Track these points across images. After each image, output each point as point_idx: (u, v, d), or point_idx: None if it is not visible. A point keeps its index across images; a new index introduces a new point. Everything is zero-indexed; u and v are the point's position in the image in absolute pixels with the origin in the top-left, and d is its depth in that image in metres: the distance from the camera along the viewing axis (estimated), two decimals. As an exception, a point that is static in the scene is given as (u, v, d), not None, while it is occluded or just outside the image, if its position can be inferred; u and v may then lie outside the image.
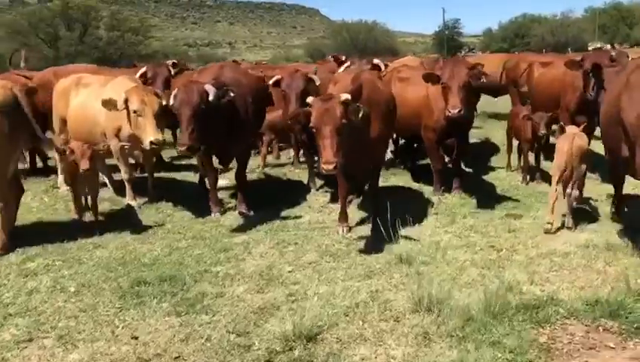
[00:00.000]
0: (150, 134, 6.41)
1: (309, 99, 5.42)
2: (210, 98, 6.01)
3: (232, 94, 6.14)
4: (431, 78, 6.82)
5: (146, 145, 6.48)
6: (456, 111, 6.51)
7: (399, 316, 4.34)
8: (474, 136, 12.27)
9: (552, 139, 8.02)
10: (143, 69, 8.87)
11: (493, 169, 9.42)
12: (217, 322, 4.30)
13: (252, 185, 8.63)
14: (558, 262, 5.29)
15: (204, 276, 5.18)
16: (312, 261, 5.50)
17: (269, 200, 7.57)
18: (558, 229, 6.23)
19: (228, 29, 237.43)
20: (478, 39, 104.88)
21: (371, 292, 4.74)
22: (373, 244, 5.83)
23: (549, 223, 6.26)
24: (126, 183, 7.55)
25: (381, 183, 8.40)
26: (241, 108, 6.69)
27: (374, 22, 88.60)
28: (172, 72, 8.93)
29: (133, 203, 7.49)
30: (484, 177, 8.82)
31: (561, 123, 7.08)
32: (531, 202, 7.34)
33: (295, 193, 7.98)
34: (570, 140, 6.41)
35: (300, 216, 6.94)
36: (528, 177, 8.35)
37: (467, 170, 9.28)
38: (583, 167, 6.45)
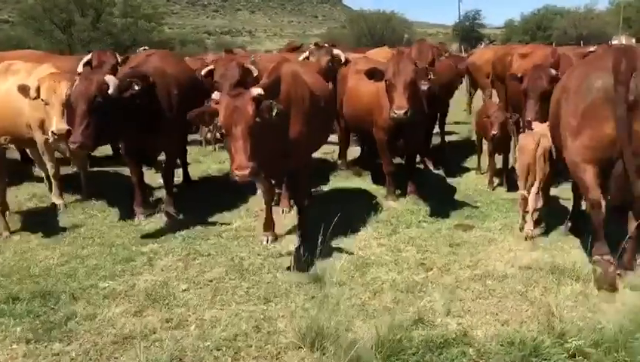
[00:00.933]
0: (53, 125, 5.84)
1: (214, 95, 4.74)
2: (110, 91, 5.38)
3: (136, 86, 5.50)
4: (374, 74, 6.11)
5: (49, 135, 5.92)
6: (402, 112, 5.82)
7: (279, 352, 3.71)
8: (458, 133, 11.59)
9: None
10: (88, 57, 8.30)
11: (465, 170, 8.70)
12: (65, 354, 3.71)
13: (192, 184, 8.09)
14: (491, 287, 4.60)
15: (85, 293, 4.60)
16: (214, 278, 4.88)
17: (205, 202, 6.98)
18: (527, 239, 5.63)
19: (248, 17, 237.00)
20: (501, 31, 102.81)
21: (261, 320, 4.12)
22: (293, 259, 5.19)
23: (528, 232, 5.73)
24: (52, 180, 6.99)
25: (335, 185, 7.84)
26: (164, 100, 6.08)
27: (392, 12, 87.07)
28: (119, 60, 8.32)
29: (58, 201, 6.94)
30: (450, 180, 8.11)
31: (528, 119, 6.36)
32: (490, 211, 6.65)
33: (238, 194, 7.35)
34: (534, 140, 5.75)
35: (229, 223, 6.32)
36: (496, 181, 7.63)
37: (436, 170, 8.60)
38: (547, 167, 5.77)
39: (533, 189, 5.83)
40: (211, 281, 4.80)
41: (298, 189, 5.71)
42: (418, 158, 8.00)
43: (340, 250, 5.39)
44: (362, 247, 5.53)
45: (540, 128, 6.10)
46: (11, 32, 58.20)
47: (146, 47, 11.85)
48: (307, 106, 5.29)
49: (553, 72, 6.71)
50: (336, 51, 8.19)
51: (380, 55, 9.85)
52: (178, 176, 7.78)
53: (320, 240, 4.83)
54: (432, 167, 8.69)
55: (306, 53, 8.22)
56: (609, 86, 4.42)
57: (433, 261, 5.16)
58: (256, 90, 4.68)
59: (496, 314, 4.15)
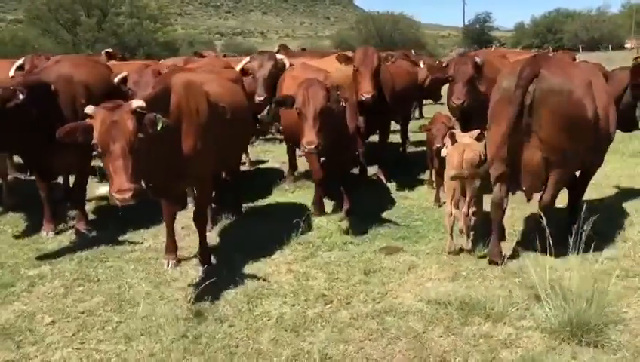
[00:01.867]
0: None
1: (88, 109, 4.25)
2: (-10, 101, 4.96)
3: (21, 95, 5.05)
4: (284, 102, 5.73)
5: None
6: (312, 147, 5.41)
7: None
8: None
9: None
10: (20, 61, 7.91)
11: (420, 183, 8.16)
12: None
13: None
14: (387, 325, 4.11)
15: (-63, 325, 4.17)
16: (88, 309, 4.44)
17: (129, 216, 6.52)
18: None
19: (261, 18, 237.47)
20: (511, 34, 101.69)
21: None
22: (187, 288, 4.73)
23: (449, 252, 5.38)
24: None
25: (275, 200, 7.38)
26: (68, 109, 5.65)
27: (401, 13, 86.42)
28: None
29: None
30: (398, 194, 7.59)
31: (452, 131, 5.87)
32: (428, 230, 6.14)
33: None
34: (459, 152, 5.26)
35: (141, 242, 5.87)
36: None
37: (389, 183, 8.08)
38: (477, 182, 5.27)
39: (462, 206, 5.36)
40: (82, 313, 4.35)
41: (197, 209, 5.22)
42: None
43: (242, 276, 4.93)
44: (269, 274, 5.05)
45: (467, 139, 5.62)
46: (19, 32, 58.22)
47: (109, 50, 11.34)
48: (205, 119, 4.82)
49: (478, 59, 7.07)
50: (279, 57, 7.74)
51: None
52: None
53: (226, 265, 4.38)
54: (384, 180, 8.19)
55: (247, 59, 7.81)
56: (511, 87, 4.79)
57: (337, 292, 4.67)
58: (137, 103, 4.20)
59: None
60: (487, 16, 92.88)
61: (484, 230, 5.42)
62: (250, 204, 7.16)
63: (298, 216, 6.02)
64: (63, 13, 58.58)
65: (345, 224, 6.32)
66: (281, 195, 7.62)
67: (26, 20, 62.05)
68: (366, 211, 6.66)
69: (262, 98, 7.27)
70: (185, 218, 5.90)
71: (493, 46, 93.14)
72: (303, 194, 7.52)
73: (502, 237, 5.37)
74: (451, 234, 5.45)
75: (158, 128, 4.17)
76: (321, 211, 6.66)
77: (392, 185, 8.00)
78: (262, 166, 9.52)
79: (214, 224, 6.34)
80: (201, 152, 4.74)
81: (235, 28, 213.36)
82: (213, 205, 6.55)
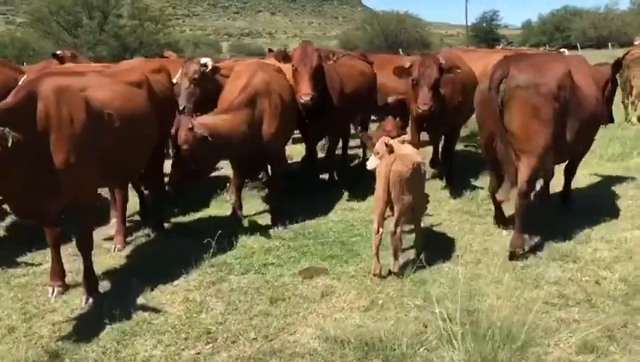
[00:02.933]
0: None
1: None
2: None
3: None
4: None
5: None
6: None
7: None
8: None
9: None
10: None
11: (372, 193, 7.50)
12: None
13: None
14: (266, 373, 3.50)
15: None
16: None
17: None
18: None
19: (269, 18, 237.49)
20: (520, 32, 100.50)
21: None
22: (61, 322, 4.16)
23: (375, 274, 4.80)
24: None
25: (209, 213, 6.80)
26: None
27: (406, 12, 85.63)
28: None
29: None
30: (344, 205, 6.98)
31: (386, 141, 5.23)
32: (364, 248, 5.53)
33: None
34: (387, 164, 4.66)
35: (40, 264, 5.32)
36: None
37: (345, 191, 7.45)
38: (408, 198, 4.65)
39: (391, 223, 4.76)
40: None
41: (79, 233, 4.61)
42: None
43: (127, 308, 4.33)
44: (161, 304, 4.46)
45: (402, 149, 5.02)
46: (17, 33, 58.21)
47: (58, 52, 10.74)
48: (82, 128, 4.23)
49: (443, 61, 6.68)
50: (204, 60, 7.17)
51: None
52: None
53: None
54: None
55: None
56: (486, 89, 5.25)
57: (227, 327, 4.07)
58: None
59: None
60: (494, 15, 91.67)
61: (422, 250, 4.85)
62: (179, 219, 6.60)
63: (224, 231, 5.46)
64: (64, 15, 58.44)
65: (273, 240, 5.72)
66: (218, 207, 7.03)
67: (27, 23, 61.97)
68: (303, 224, 6.10)
69: (182, 107, 6.69)
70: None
71: (500, 44, 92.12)
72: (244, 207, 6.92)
73: (524, 228, 5.32)
74: (377, 255, 4.84)
75: (9, 145, 3.61)
76: (236, 220, 6.21)
77: (344, 195, 7.38)
78: (212, 173, 8.92)
79: (136, 239, 5.80)
80: (77, 167, 4.16)
81: (244, 29, 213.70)
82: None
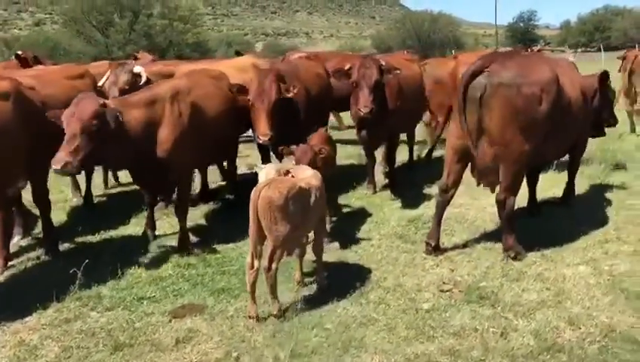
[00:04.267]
0: None
1: None
2: None
3: None
4: None
5: None
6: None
7: None
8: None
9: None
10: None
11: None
12: None
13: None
14: None
15: None
16: None
17: None
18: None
19: (306, 18, 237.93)
20: (558, 32, 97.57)
21: None
22: None
23: (250, 317, 4.21)
24: None
25: (114, 234, 6.28)
26: None
27: (440, 12, 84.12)
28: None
29: None
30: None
31: (278, 168, 4.61)
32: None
33: None
34: (257, 189, 4.03)
35: None
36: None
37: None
38: (284, 228, 3.99)
39: (264, 258, 4.13)
40: None
41: None
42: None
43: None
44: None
45: (276, 170, 4.39)
46: (48, 33, 59.27)
47: (19, 52, 10.36)
48: None
49: (383, 62, 6.52)
50: (137, 69, 6.65)
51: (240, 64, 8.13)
52: None
53: None
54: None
55: (108, 73, 6.78)
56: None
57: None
58: None
59: None
60: (531, 15, 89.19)
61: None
62: (86, 238, 6.08)
63: (120, 254, 4.93)
64: (97, 15, 59.30)
65: (161, 269, 5.16)
66: (137, 224, 6.49)
67: (61, 22, 63.14)
68: (216, 247, 5.58)
69: None
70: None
71: (538, 45, 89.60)
72: (163, 226, 6.38)
73: (513, 232, 5.21)
74: (253, 294, 4.22)
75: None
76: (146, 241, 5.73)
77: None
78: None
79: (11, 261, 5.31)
80: None
81: (281, 28, 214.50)
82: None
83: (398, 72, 6.63)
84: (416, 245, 5.63)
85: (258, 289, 4.30)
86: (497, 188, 5.23)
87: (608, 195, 7.04)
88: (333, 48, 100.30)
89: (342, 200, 7.07)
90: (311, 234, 4.73)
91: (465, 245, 5.62)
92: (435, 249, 5.34)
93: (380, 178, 7.71)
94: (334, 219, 6.34)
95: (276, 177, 4.27)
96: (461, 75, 5.27)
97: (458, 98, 5.06)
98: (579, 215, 6.29)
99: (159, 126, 5.11)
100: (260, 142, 6.09)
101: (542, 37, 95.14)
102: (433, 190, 7.34)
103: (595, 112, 6.45)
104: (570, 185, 6.72)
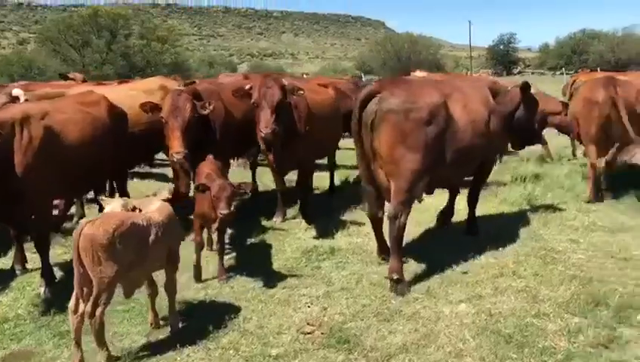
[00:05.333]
0: None
1: None
2: None
3: None
4: None
5: None
6: None
7: None
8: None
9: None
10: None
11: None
12: None
13: None
14: None
15: None
16: None
17: None
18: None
19: (292, 39, 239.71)
20: (537, 54, 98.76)
21: None
22: None
23: None
24: None
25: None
26: None
27: (420, 34, 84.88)
28: None
29: None
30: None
31: (123, 202, 4.25)
32: (135, 318, 4.51)
33: None
34: (80, 226, 3.66)
35: None
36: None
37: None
38: (110, 269, 3.63)
39: (89, 302, 3.74)
40: None
41: None
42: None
43: None
44: None
45: (116, 206, 4.02)
46: (24, 52, 58.79)
47: None
48: None
49: (285, 81, 6.29)
50: (15, 92, 6.30)
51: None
52: None
53: None
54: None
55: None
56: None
57: None
58: None
59: None
60: (511, 37, 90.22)
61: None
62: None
63: None
64: (73, 35, 59.01)
65: (12, 309, 4.74)
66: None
67: (37, 41, 62.71)
68: None
69: None
70: None
71: (518, 67, 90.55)
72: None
73: (399, 253, 5.12)
74: (78, 342, 3.82)
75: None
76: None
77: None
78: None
79: None
80: None
81: (267, 49, 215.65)
82: None
83: (302, 92, 6.33)
84: (301, 279, 5.28)
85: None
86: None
87: (522, 224, 6.75)
88: (318, 69, 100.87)
89: (247, 228, 6.72)
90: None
91: (351, 278, 5.27)
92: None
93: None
94: (230, 250, 6.02)
95: (106, 212, 3.91)
96: (356, 100, 5.48)
97: (352, 123, 5.20)
98: (482, 244, 5.98)
99: (6, 152, 4.70)
100: (174, 160, 5.89)
101: (522, 59, 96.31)
102: (349, 217, 7.10)
103: (525, 121, 6.28)
104: (471, 211, 6.50)
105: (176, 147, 5.83)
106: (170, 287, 4.36)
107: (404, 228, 5.11)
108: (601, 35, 77.84)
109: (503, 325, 4.31)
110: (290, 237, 6.54)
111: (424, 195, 5.66)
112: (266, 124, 5.98)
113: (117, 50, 59.40)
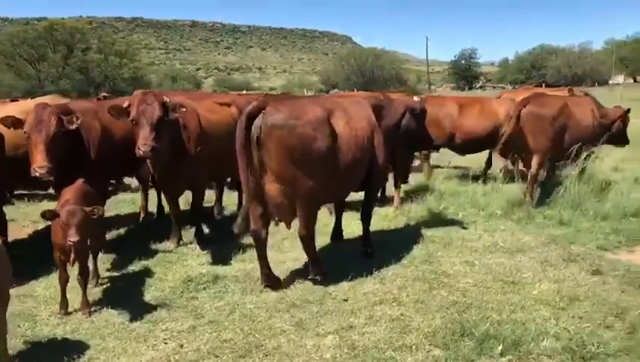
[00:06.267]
0: None
1: None
2: None
3: None
4: None
5: None
6: None
7: None
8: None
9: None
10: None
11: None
12: None
13: None
14: None
15: None
16: None
17: None
18: None
19: (260, 54, 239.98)
20: (497, 69, 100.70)
21: None
22: None
23: None
24: None
25: None
26: None
27: (382, 49, 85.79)
28: None
29: None
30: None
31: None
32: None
33: None
34: None
35: None
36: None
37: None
38: None
39: None
40: None
41: None
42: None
43: None
44: None
45: None
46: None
47: None
48: None
49: (166, 98, 6.05)
50: None
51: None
52: None
53: None
54: None
55: None
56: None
57: None
58: None
59: None
60: (472, 52, 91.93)
61: None
62: None
63: None
64: (28, 49, 57.88)
65: None
66: None
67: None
68: None
69: None
70: None
71: (480, 82, 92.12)
72: None
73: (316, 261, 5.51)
74: None
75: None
76: None
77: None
78: None
79: None
80: None
81: (234, 63, 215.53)
82: None
83: (184, 109, 6.06)
84: (170, 312, 4.97)
85: None
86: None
87: (423, 244, 6.58)
88: (286, 83, 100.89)
89: (135, 254, 6.38)
90: None
91: (225, 310, 4.99)
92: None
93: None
94: (106, 280, 5.69)
95: None
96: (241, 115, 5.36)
97: (237, 138, 5.07)
98: (372, 267, 5.77)
99: None
100: (37, 175, 5.49)
101: (483, 74, 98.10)
102: (249, 240, 6.81)
103: (409, 131, 6.90)
104: (366, 229, 6.37)
105: (39, 161, 5.44)
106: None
107: (314, 240, 5.49)
108: (558, 51, 79.89)
109: (362, 359, 4.07)
110: (177, 264, 6.23)
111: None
112: (144, 141, 5.68)
113: (74, 64, 58.55)
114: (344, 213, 6.88)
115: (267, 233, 5.42)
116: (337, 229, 6.75)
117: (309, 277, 5.50)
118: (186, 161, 6.26)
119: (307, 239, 5.37)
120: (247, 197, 5.18)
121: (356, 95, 9.70)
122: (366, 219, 6.32)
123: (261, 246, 5.40)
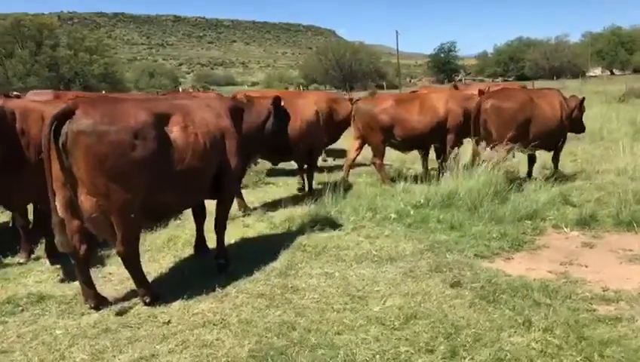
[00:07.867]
0: None
1: None
2: None
3: None
4: None
5: None
6: None
7: None
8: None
9: None
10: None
11: None
12: None
13: None
14: None
15: None
16: None
17: None
18: None
19: (243, 48, 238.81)
20: (476, 62, 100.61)
21: None
22: None
23: None
24: None
25: None
26: None
27: (361, 43, 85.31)
28: None
29: None
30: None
31: None
32: None
33: None
34: None
35: None
36: None
37: None
38: None
39: None
40: None
41: None
42: None
43: None
44: None
45: None
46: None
47: None
48: None
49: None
50: None
51: None
52: None
53: None
54: None
55: None
56: None
57: None
58: None
59: None
60: (451, 46, 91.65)
61: None
62: None
63: None
64: (-7, 45, 56.61)
65: None
66: None
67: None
68: None
69: None
70: None
71: (460, 75, 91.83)
72: None
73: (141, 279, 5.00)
74: None
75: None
76: None
77: None
78: None
79: None
80: None
81: (217, 58, 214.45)
82: None
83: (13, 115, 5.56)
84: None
85: None
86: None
87: (290, 253, 6.12)
88: (266, 78, 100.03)
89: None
90: None
91: (27, 335, 4.48)
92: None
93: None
94: None
95: None
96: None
97: (42, 144, 4.52)
98: (215, 283, 5.27)
99: None
100: None
101: (462, 67, 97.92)
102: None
103: (270, 133, 6.57)
104: (220, 240, 5.88)
105: None
106: None
107: (138, 259, 4.98)
108: (536, 43, 79.87)
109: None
110: (14, 282, 5.70)
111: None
112: None
113: (42, 60, 57.41)
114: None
115: (88, 248, 4.88)
116: (199, 240, 6.24)
117: (140, 298, 5.01)
118: (22, 170, 5.74)
119: (128, 257, 4.85)
120: (54, 211, 4.65)
121: (210, 95, 9.34)
122: (220, 229, 5.83)
123: (80, 263, 4.89)
